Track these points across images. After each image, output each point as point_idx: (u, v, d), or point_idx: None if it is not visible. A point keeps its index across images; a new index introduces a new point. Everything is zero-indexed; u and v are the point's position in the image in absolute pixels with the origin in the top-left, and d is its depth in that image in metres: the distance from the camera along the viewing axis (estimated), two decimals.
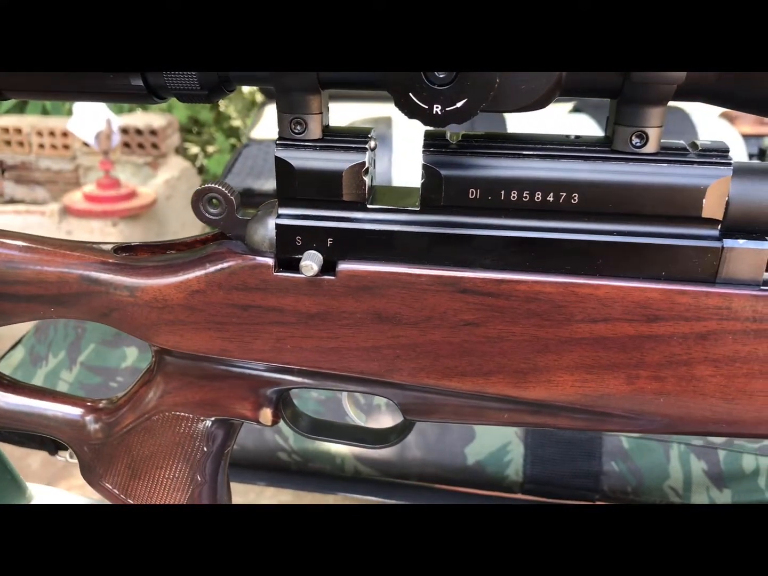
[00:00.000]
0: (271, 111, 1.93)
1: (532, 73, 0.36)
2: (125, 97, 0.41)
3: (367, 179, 0.40)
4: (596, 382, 0.41)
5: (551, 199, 0.39)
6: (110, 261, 0.45)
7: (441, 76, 0.34)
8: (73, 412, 0.50)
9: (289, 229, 0.41)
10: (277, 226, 0.42)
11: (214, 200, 0.43)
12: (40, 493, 0.63)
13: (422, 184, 0.40)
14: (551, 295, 0.40)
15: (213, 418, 0.48)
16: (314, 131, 0.40)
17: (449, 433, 0.81)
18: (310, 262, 0.41)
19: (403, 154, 1.18)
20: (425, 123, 0.35)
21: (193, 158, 3.57)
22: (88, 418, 0.50)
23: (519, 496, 0.80)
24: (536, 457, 0.79)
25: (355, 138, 0.40)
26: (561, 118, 1.27)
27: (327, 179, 0.40)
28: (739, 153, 1.33)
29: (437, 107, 0.35)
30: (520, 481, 0.78)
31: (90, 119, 2.37)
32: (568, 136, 0.40)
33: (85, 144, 2.65)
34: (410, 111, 0.35)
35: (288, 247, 0.42)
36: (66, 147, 2.83)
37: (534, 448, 0.79)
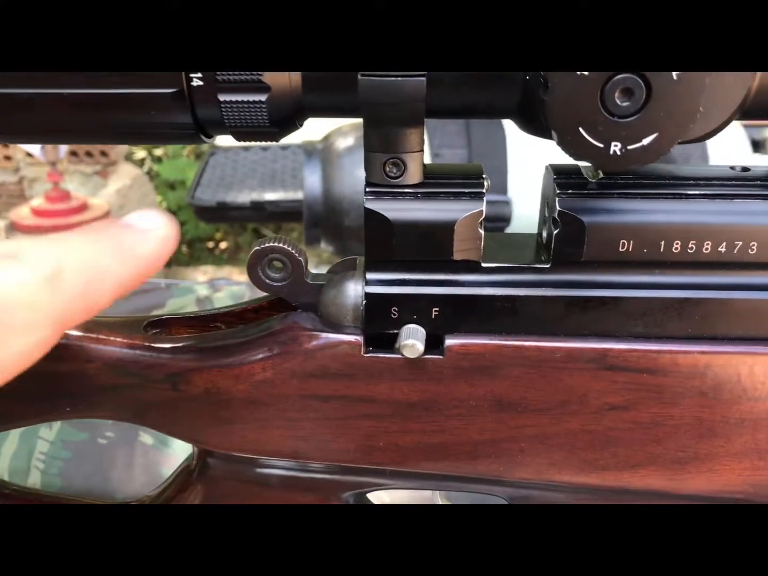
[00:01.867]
0: None
1: (715, 96, 0.27)
2: (163, 137, 0.31)
3: (483, 231, 0.32)
4: None
5: (723, 249, 0.31)
6: (142, 343, 0.35)
7: (625, 104, 0.25)
8: None
9: (383, 298, 0.32)
10: (367, 295, 0.32)
11: (276, 262, 0.33)
12: None
13: (556, 235, 0.31)
14: (721, 368, 0.32)
15: None
16: (414, 174, 0.31)
17: None
18: (414, 341, 0.32)
19: None
20: (597, 166, 0.27)
21: (139, 163, 3.42)
22: None
23: None
24: None
25: (466, 180, 0.31)
26: None
27: (434, 234, 0.31)
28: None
29: (616, 145, 0.26)
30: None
31: None
32: (733, 167, 0.32)
33: (29, 154, 2.49)
34: (578, 151, 0.26)
35: (380, 320, 0.33)
36: (8, 158, 2.66)
37: None
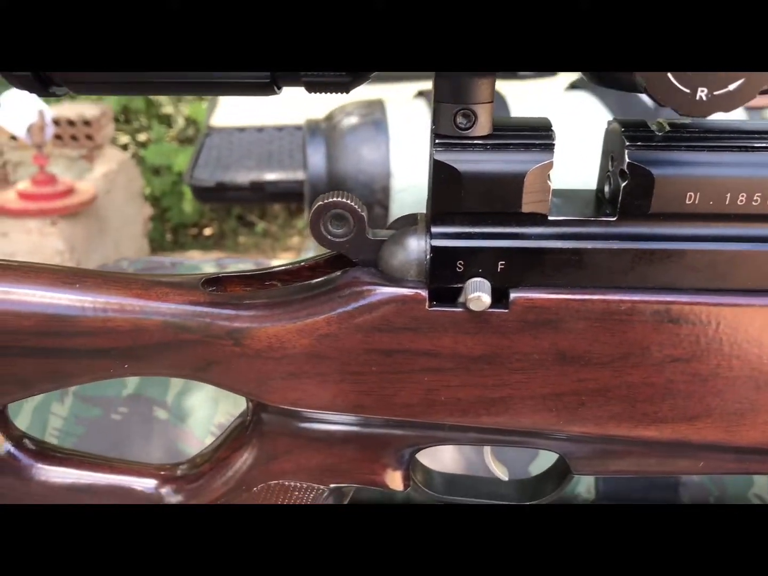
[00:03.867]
0: (227, 97, 1.80)
1: None
2: (235, 87, 0.31)
3: (551, 184, 0.32)
4: None
5: None
6: (203, 300, 0.35)
7: None
8: (144, 484, 0.40)
9: (449, 251, 0.33)
10: (433, 248, 0.33)
11: (338, 217, 0.33)
12: None
13: (624, 187, 0.31)
14: None
15: (331, 486, 0.39)
16: (484, 125, 0.31)
17: (510, 450, 0.73)
18: (480, 294, 0.32)
19: (401, 141, 1.09)
20: (682, 111, 0.27)
21: (123, 148, 3.38)
22: (165, 489, 0.40)
23: None
24: None
25: (535, 132, 0.32)
26: (558, 96, 1.20)
27: (503, 186, 0.31)
28: None
29: (702, 91, 0.26)
30: (592, 498, 0.72)
31: (21, 111, 2.18)
32: None
33: (13, 138, 2.46)
34: (664, 96, 0.26)
35: (445, 274, 0.33)
36: None
37: None
